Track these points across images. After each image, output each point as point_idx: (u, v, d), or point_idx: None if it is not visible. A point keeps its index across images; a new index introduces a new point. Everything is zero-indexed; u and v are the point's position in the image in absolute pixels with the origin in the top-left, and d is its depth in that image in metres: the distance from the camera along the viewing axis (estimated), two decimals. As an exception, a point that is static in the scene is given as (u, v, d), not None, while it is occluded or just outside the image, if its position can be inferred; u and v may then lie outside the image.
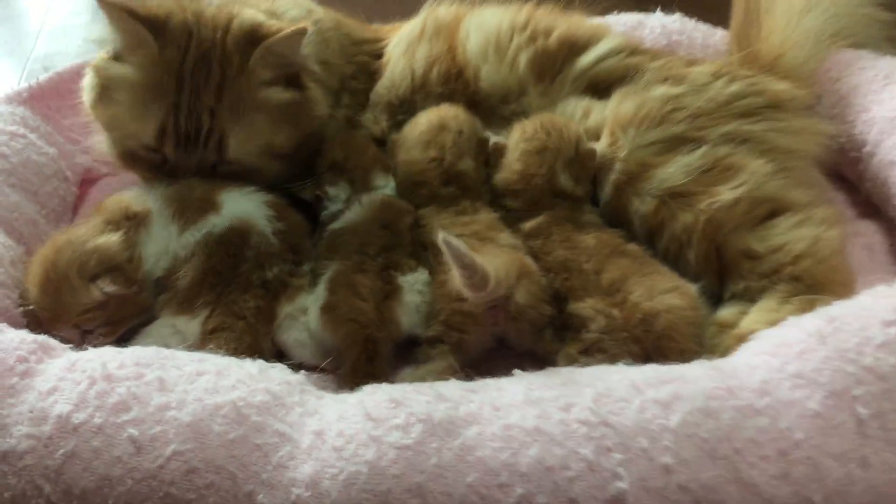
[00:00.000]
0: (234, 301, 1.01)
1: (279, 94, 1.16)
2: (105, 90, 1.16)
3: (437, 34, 1.35)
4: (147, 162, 1.17)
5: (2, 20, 2.33)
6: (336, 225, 1.15)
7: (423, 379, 0.95)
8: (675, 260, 1.08)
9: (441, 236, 0.93)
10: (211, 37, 1.13)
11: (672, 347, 0.94)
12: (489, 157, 1.24)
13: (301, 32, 1.13)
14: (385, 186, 1.22)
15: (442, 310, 1.01)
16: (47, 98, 1.35)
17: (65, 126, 1.36)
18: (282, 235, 1.09)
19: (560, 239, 1.08)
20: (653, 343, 0.95)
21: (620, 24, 1.56)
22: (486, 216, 1.14)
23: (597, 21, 1.41)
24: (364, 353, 0.97)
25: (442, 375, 0.96)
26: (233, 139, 1.13)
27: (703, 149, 1.12)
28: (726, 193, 1.06)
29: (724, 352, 0.92)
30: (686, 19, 1.56)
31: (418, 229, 1.15)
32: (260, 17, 1.19)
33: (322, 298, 1.03)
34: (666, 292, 0.98)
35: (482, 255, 0.98)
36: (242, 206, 1.11)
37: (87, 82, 1.19)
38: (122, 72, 1.13)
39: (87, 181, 1.39)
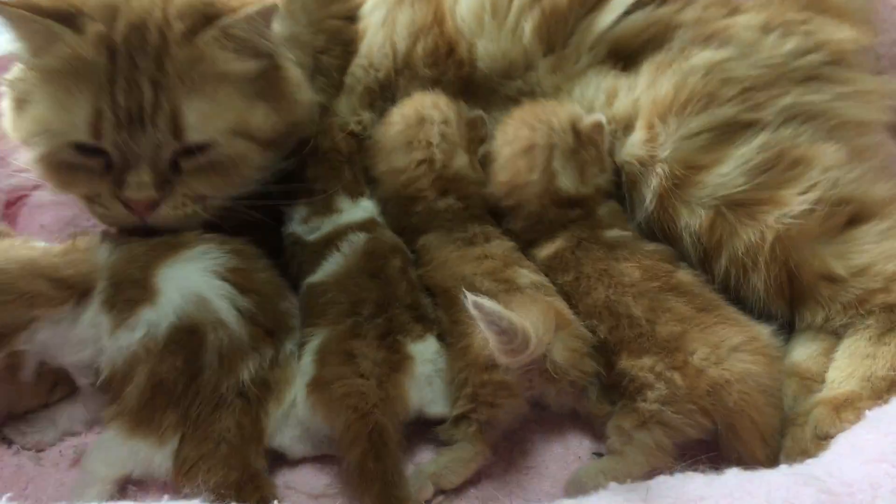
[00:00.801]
0: (205, 422, 0.80)
1: (244, 64, 0.91)
2: (21, 101, 0.92)
3: None
4: (85, 171, 0.91)
5: None
6: (314, 278, 0.94)
7: (449, 471, 0.81)
8: (736, 285, 0.90)
9: (470, 300, 0.76)
10: (147, 7, 0.88)
11: (746, 427, 0.78)
12: (484, 140, 1.05)
13: (269, 10, 0.88)
14: (352, 210, 1.01)
15: (467, 382, 0.83)
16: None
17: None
18: (251, 317, 0.86)
19: (595, 272, 0.90)
20: (723, 419, 0.78)
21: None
22: (500, 245, 0.95)
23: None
24: (370, 450, 0.77)
25: (471, 465, 0.82)
26: (190, 114, 0.88)
27: (763, 135, 0.92)
28: (796, 200, 0.87)
29: (817, 429, 0.76)
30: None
31: (421, 269, 0.96)
32: None
33: (309, 373, 0.84)
34: (736, 350, 0.79)
35: (514, 309, 0.79)
36: (188, 286, 0.85)
37: (4, 105, 0.94)
38: (37, 70, 0.89)
39: (11, 202, 1.17)
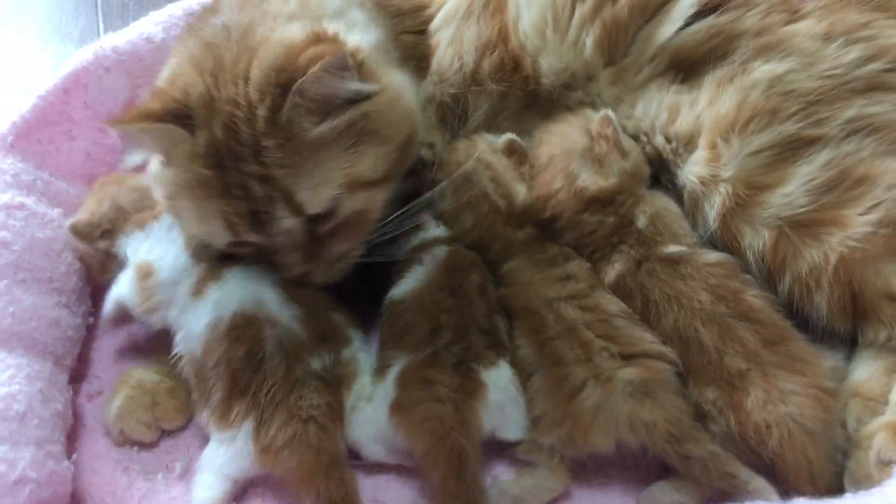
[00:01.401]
0: (284, 402, 0.88)
1: (333, 122, 0.89)
2: (168, 199, 0.95)
3: (485, 7, 1.11)
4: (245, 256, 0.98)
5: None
6: (396, 293, 0.99)
7: (532, 496, 0.87)
8: (799, 303, 0.92)
9: None
10: (232, 94, 0.88)
11: (791, 466, 0.82)
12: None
13: (337, 60, 0.86)
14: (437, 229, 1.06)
15: (563, 421, 0.87)
16: (35, 132, 1.15)
17: (62, 157, 1.18)
18: (303, 321, 0.94)
19: (662, 298, 0.92)
20: (770, 459, 0.82)
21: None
22: (580, 265, 0.99)
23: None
24: (451, 470, 0.84)
25: (551, 493, 0.88)
26: (301, 192, 0.88)
27: (825, 152, 0.93)
28: (860, 222, 0.89)
29: (879, 454, 0.80)
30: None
31: (504, 289, 1.00)
32: (286, 36, 0.91)
33: (391, 396, 0.90)
34: (788, 393, 0.83)
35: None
36: (249, 282, 0.96)
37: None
38: (169, 177, 0.92)
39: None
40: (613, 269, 0.97)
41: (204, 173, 0.88)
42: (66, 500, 0.91)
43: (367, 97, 0.91)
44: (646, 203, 1.00)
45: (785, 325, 0.90)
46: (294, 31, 0.91)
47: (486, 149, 1.06)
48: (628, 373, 0.86)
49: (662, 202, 1.01)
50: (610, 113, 1.00)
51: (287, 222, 0.90)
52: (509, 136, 1.07)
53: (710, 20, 1.04)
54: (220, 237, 0.92)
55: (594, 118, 1.01)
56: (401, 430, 0.87)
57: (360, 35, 0.95)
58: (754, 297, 0.91)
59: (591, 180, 0.98)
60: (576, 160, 0.99)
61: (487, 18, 1.10)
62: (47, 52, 1.67)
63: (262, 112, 0.86)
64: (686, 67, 1.04)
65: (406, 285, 0.99)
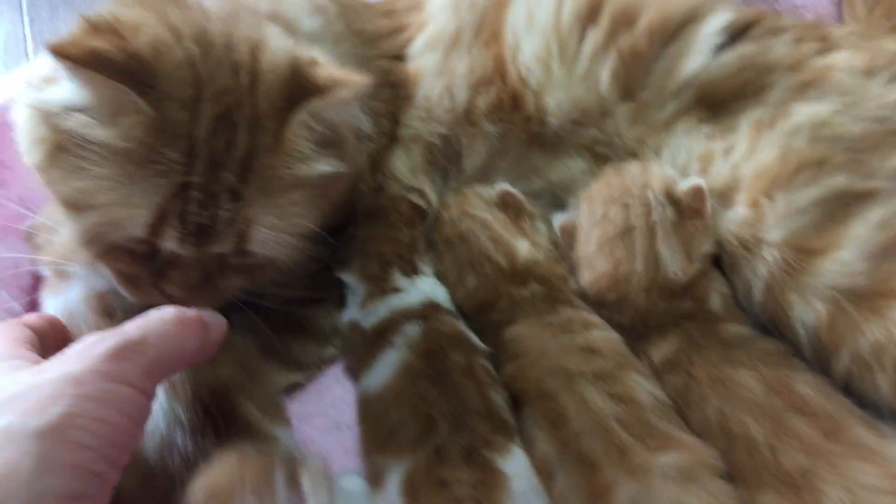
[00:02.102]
0: None
1: (322, 167, 0.76)
2: (61, 150, 0.73)
3: (477, 35, 0.96)
4: (129, 252, 0.77)
5: None
6: (370, 386, 0.85)
7: None
8: (857, 383, 0.81)
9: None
10: (232, 85, 0.72)
11: None
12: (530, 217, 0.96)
13: (364, 88, 0.74)
14: (410, 290, 0.92)
15: None
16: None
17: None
18: None
19: (707, 378, 0.80)
20: None
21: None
22: (606, 338, 0.85)
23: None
24: None
25: None
26: (257, 230, 0.74)
27: (879, 208, 0.81)
28: None
29: None
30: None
31: (509, 365, 0.85)
32: (289, 44, 0.77)
33: None
34: (872, 490, 0.70)
35: None
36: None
37: (25, 126, 0.77)
38: (95, 134, 0.70)
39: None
40: (667, 345, 0.84)
41: (165, 155, 0.69)
42: None
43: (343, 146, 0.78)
44: (716, 280, 0.87)
45: (840, 412, 0.77)
46: (283, 41, 0.77)
47: (478, 204, 0.93)
48: (668, 457, 0.74)
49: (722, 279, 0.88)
50: (703, 184, 0.87)
51: (223, 248, 0.74)
52: (502, 187, 0.94)
53: (739, 50, 0.92)
54: (129, 228, 0.72)
55: (675, 179, 0.88)
56: None
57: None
58: (805, 385, 0.79)
59: (678, 268, 0.85)
60: (662, 240, 0.85)
61: (481, 48, 0.95)
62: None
63: (270, 125, 0.72)
64: (714, 105, 0.92)
65: (379, 376, 0.84)
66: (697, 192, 0.87)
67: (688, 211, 0.87)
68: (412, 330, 0.86)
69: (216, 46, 0.72)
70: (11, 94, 0.95)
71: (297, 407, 0.93)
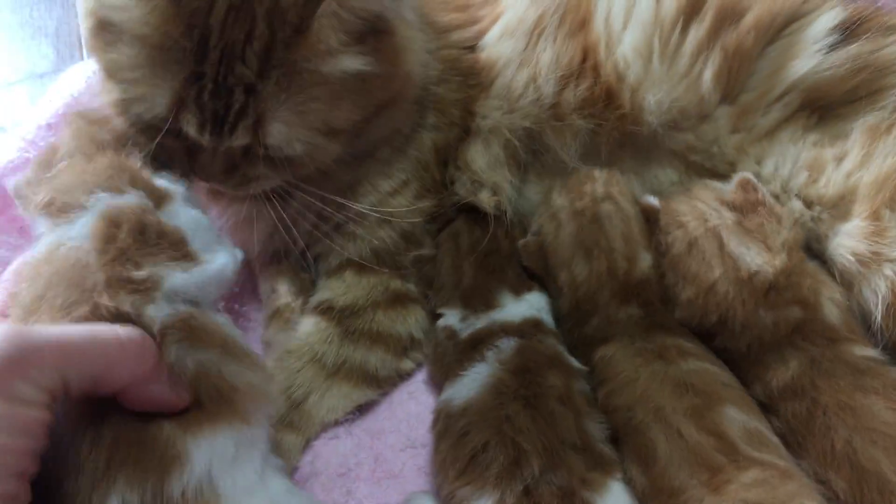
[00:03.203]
0: None
1: (350, 63, 0.73)
2: (102, 25, 0.74)
3: (562, 23, 0.90)
4: (158, 131, 0.75)
5: None
6: (452, 395, 0.78)
7: None
8: None
9: None
10: None
11: None
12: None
13: None
14: (515, 305, 0.86)
15: None
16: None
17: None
18: None
19: (834, 405, 0.71)
20: None
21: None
22: (704, 372, 0.76)
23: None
24: None
25: None
26: (275, 125, 0.73)
27: None
28: None
29: None
30: None
31: (601, 390, 0.78)
32: None
33: None
34: None
35: None
36: None
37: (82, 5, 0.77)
38: (121, 17, 0.71)
39: None
40: (787, 370, 0.76)
41: (179, 43, 0.70)
42: None
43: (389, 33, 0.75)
44: (831, 289, 0.79)
45: None
46: None
47: (628, 195, 0.87)
48: (749, 475, 0.66)
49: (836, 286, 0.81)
50: (748, 174, 0.81)
51: (241, 140, 0.74)
52: (652, 200, 0.87)
53: (851, 50, 0.84)
54: (154, 109, 0.73)
55: (722, 188, 0.81)
56: None
57: None
58: None
59: (760, 260, 0.77)
60: (729, 239, 0.78)
61: (566, 37, 0.89)
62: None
63: (293, 16, 0.69)
64: (821, 108, 0.85)
65: (466, 389, 0.77)
66: (746, 184, 0.81)
67: (746, 205, 0.80)
68: (506, 345, 0.80)
69: None
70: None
71: (368, 423, 0.87)
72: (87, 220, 0.65)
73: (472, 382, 0.77)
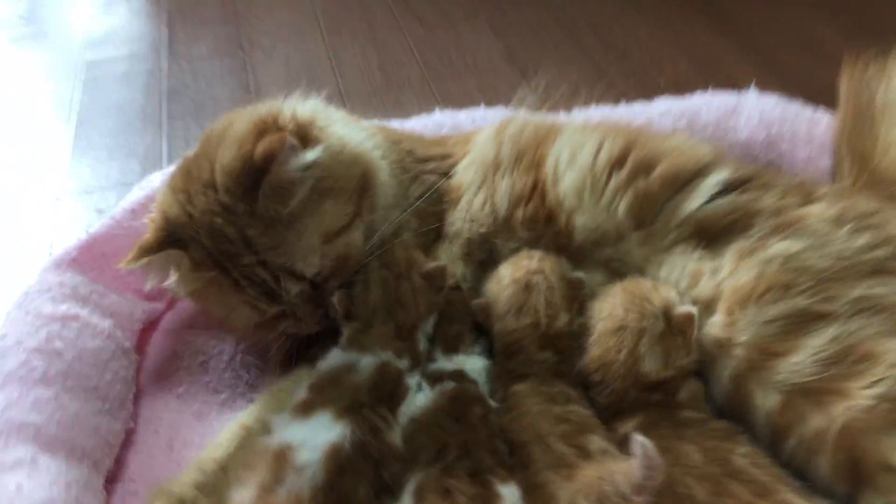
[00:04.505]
0: None
1: (301, 195, 1.07)
2: (193, 300, 1.18)
3: (518, 162, 1.23)
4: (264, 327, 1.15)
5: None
6: (412, 408, 1.04)
7: None
8: (803, 464, 0.97)
9: (638, 439, 0.84)
10: (206, 205, 1.05)
11: None
12: (583, 304, 1.14)
13: (288, 146, 1.01)
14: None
15: None
16: (99, 247, 1.26)
17: (120, 271, 1.26)
18: None
19: (659, 449, 0.96)
20: None
21: (712, 110, 1.43)
22: (579, 412, 1.03)
23: (699, 144, 1.25)
24: None
25: None
26: (297, 265, 1.07)
27: (834, 327, 0.99)
28: (862, 395, 0.94)
29: None
30: (786, 103, 1.42)
31: (506, 417, 1.05)
32: (237, 131, 1.08)
33: None
34: None
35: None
36: None
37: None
38: (186, 286, 1.12)
39: (147, 329, 1.31)
40: (630, 423, 1.01)
41: (211, 276, 1.07)
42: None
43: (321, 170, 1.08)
44: (690, 381, 1.06)
45: (773, 479, 0.93)
46: (242, 124, 1.08)
47: (556, 270, 1.15)
48: (594, 465, 0.92)
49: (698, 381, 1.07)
50: (694, 312, 1.06)
51: (295, 288, 1.08)
52: (581, 275, 1.16)
53: (733, 197, 1.14)
54: (248, 318, 1.12)
55: (675, 303, 1.07)
56: None
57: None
58: (741, 457, 0.95)
59: (653, 368, 1.04)
60: (645, 343, 1.04)
61: (521, 172, 1.22)
62: (113, 166, 1.80)
63: (240, 210, 1.04)
64: (708, 236, 1.13)
65: (418, 402, 1.05)
66: (688, 318, 1.06)
67: (676, 329, 1.06)
68: (447, 386, 1.07)
69: (194, 181, 1.07)
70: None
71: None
72: None
73: (422, 398, 1.05)
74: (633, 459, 0.84)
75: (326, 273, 1.09)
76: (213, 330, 1.28)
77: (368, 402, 1.00)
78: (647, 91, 1.55)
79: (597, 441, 0.98)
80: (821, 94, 1.42)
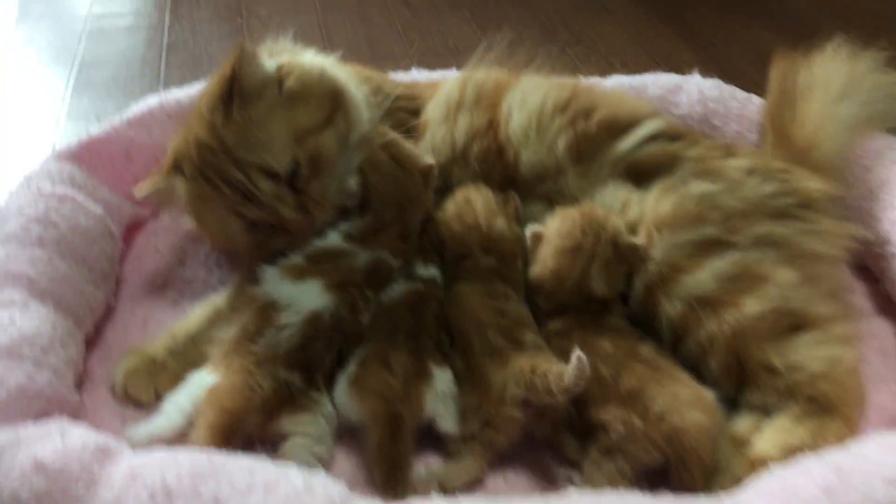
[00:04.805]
0: None
1: (269, 98, 1.22)
2: (193, 218, 1.31)
3: (477, 103, 1.38)
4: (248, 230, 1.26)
5: (45, 19, 2.36)
6: (385, 299, 1.20)
7: (454, 476, 1.02)
8: (696, 365, 1.13)
9: (578, 354, 0.98)
10: (196, 129, 1.22)
11: (695, 462, 0.99)
12: (518, 213, 1.31)
13: (244, 50, 1.17)
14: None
15: (481, 411, 1.05)
16: (97, 148, 1.39)
17: (115, 172, 1.40)
18: None
19: (579, 341, 1.10)
20: (677, 455, 0.99)
21: (657, 86, 1.58)
22: (515, 308, 1.18)
23: (637, 100, 1.43)
24: (389, 432, 1.01)
25: (471, 474, 1.03)
26: (266, 157, 1.19)
27: (735, 253, 1.15)
28: (752, 306, 1.10)
29: (736, 475, 0.98)
30: (724, 85, 1.58)
31: (448, 310, 1.20)
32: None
33: (352, 373, 1.09)
34: (689, 405, 1.01)
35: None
36: None
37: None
38: (187, 209, 1.28)
39: (132, 227, 1.44)
40: (561, 322, 1.17)
41: (199, 189, 1.21)
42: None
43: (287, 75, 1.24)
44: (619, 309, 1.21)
45: (668, 363, 1.10)
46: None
47: (485, 190, 1.31)
48: (525, 355, 1.07)
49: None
50: (640, 243, 1.20)
51: (268, 185, 1.19)
52: (511, 192, 1.32)
53: (662, 144, 1.31)
54: (234, 225, 1.23)
55: (623, 233, 1.21)
56: (355, 398, 1.05)
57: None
58: (645, 349, 1.11)
59: (599, 288, 1.18)
60: (596, 265, 1.18)
61: (479, 112, 1.38)
62: (110, 102, 1.95)
63: (219, 121, 1.18)
64: (638, 175, 1.29)
65: (388, 295, 1.20)
66: (631, 248, 1.21)
67: (621, 256, 1.21)
68: (415, 284, 1.23)
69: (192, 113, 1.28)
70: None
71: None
72: None
73: (395, 289, 1.22)
74: (569, 367, 0.99)
75: (304, 175, 1.21)
76: (191, 233, 1.41)
77: (358, 283, 1.16)
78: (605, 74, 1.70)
79: (531, 336, 1.14)
80: (757, 88, 1.57)
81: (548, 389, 1.01)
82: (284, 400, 1.03)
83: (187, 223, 1.32)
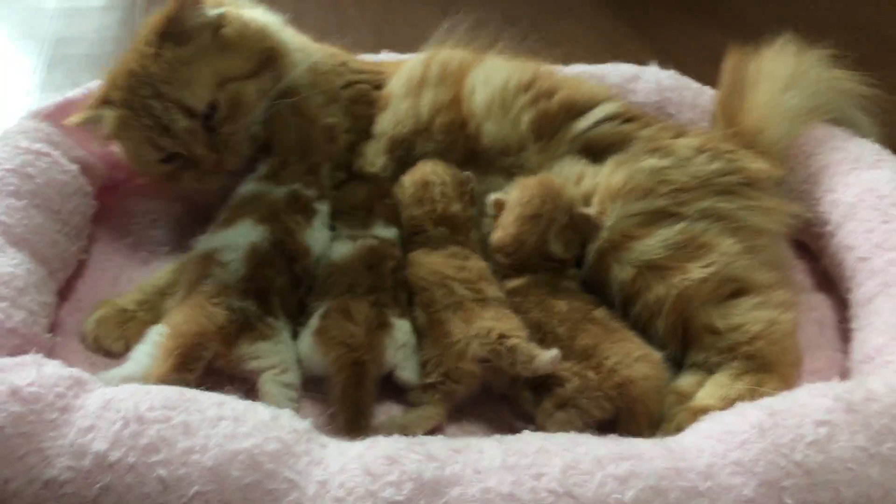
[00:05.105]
0: None
1: (201, 41, 1.29)
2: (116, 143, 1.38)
3: (442, 80, 1.45)
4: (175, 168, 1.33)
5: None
6: (334, 256, 1.26)
7: (414, 423, 1.07)
8: (644, 327, 1.19)
9: (554, 352, 1.05)
10: (130, 61, 1.29)
11: (642, 411, 1.06)
12: (472, 195, 1.37)
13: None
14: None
15: (442, 363, 1.10)
16: (74, 111, 1.42)
17: (87, 137, 1.44)
18: None
19: (535, 301, 1.19)
20: (626, 405, 1.05)
21: (617, 75, 1.66)
22: (476, 264, 1.24)
23: (596, 85, 1.50)
24: (352, 378, 1.06)
25: (432, 421, 1.08)
26: (187, 97, 1.27)
27: (682, 224, 1.22)
28: (697, 271, 1.17)
29: (678, 424, 1.04)
30: (680, 76, 1.67)
31: (408, 270, 1.25)
32: None
33: (314, 326, 1.13)
34: (638, 360, 1.08)
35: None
36: None
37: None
38: (111, 129, 1.33)
39: (106, 189, 1.48)
40: (518, 281, 1.24)
41: (121, 114, 1.28)
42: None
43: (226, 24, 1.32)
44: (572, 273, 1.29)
45: (625, 328, 1.17)
46: None
47: (445, 171, 1.37)
48: (488, 313, 1.13)
49: None
50: (592, 213, 1.27)
51: (184, 121, 1.27)
52: (468, 173, 1.38)
53: (617, 124, 1.38)
54: (150, 155, 1.31)
55: (578, 203, 1.28)
56: (318, 348, 1.09)
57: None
58: (600, 312, 1.18)
59: (557, 250, 1.26)
60: (554, 229, 1.25)
61: (444, 88, 1.44)
62: (85, 75, 1.98)
63: (150, 52, 1.26)
64: (593, 152, 1.36)
65: (339, 252, 1.25)
66: (587, 219, 1.28)
67: (576, 224, 1.28)
68: (370, 241, 1.28)
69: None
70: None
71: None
72: None
73: (345, 248, 1.27)
74: (545, 356, 1.05)
75: (220, 117, 1.29)
76: (163, 197, 1.45)
77: (284, 210, 1.23)
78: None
79: (493, 289, 1.20)
80: (710, 84, 1.65)
81: (512, 364, 1.07)
82: (242, 327, 1.09)
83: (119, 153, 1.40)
